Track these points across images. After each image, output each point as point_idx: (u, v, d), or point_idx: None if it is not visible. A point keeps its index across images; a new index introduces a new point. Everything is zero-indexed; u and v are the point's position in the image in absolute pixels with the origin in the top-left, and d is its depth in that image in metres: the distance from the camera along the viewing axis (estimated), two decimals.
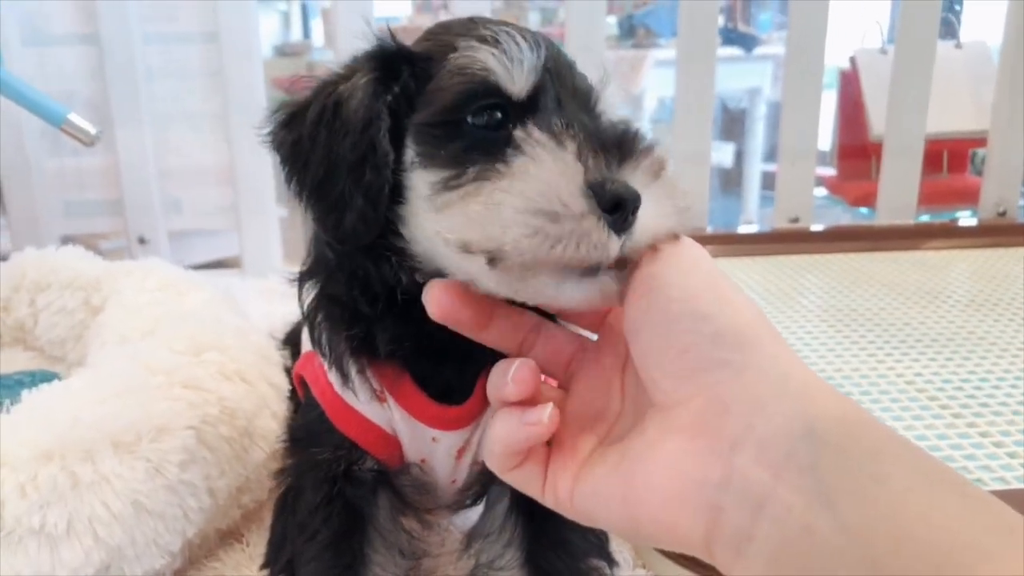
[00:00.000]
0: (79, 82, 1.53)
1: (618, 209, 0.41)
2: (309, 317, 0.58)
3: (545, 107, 0.47)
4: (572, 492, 0.46)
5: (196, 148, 1.60)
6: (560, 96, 0.48)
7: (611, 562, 0.63)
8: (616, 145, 0.43)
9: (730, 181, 4.16)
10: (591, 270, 0.43)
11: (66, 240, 1.59)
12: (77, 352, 1.03)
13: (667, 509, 0.41)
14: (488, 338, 0.50)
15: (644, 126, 2.66)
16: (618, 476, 0.44)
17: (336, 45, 1.58)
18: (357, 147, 0.48)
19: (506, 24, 0.51)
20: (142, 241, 1.59)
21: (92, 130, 1.19)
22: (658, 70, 3.31)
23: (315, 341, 0.58)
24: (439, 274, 0.49)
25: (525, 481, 0.48)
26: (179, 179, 1.61)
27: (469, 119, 0.47)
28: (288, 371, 0.87)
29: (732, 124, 3.97)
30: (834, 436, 0.37)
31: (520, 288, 0.44)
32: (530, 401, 0.46)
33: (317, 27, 5.18)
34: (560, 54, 0.52)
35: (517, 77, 0.47)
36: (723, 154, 3.96)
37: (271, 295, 1.34)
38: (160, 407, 0.68)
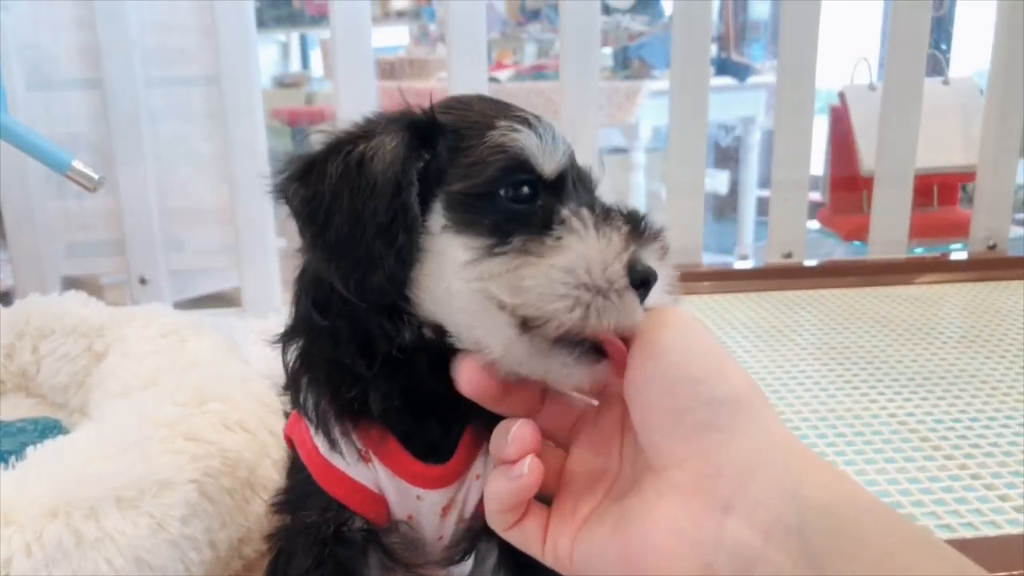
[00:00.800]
0: (83, 125, 1.55)
1: (644, 285, 0.47)
2: (293, 379, 0.59)
3: (568, 188, 0.52)
4: (571, 552, 0.48)
5: (198, 188, 1.63)
6: (575, 181, 0.53)
7: None
8: (636, 224, 0.49)
9: (725, 208, 4.19)
10: (597, 354, 0.48)
11: (68, 281, 1.61)
12: (79, 399, 1.04)
13: (664, 567, 0.43)
14: (504, 407, 0.52)
15: (639, 156, 2.68)
16: (616, 536, 0.46)
17: (335, 76, 1.60)
18: (388, 210, 0.50)
19: (521, 109, 0.55)
20: (143, 281, 1.61)
21: (95, 176, 1.21)
22: (653, 100, 3.35)
23: (300, 403, 0.59)
24: (443, 331, 0.52)
25: (525, 540, 0.50)
26: (181, 219, 1.63)
27: (502, 192, 0.50)
28: (287, 416, 0.88)
29: (727, 153, 4.01)
30: (820, 499, 0.40)
31: (534, 362, 0.48)
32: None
33: (316, 58, 5.24)
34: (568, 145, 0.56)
35: (550, 159, 0.51)
36: (718, 182, 3.99)
37: (272, 336, 1.35)
38: (162, 461, 0.69)
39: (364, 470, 0.59)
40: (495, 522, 0.51)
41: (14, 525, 0.61)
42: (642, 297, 0.47)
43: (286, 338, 0.60)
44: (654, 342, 0.46)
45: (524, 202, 0.50)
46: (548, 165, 0.51)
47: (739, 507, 0.42)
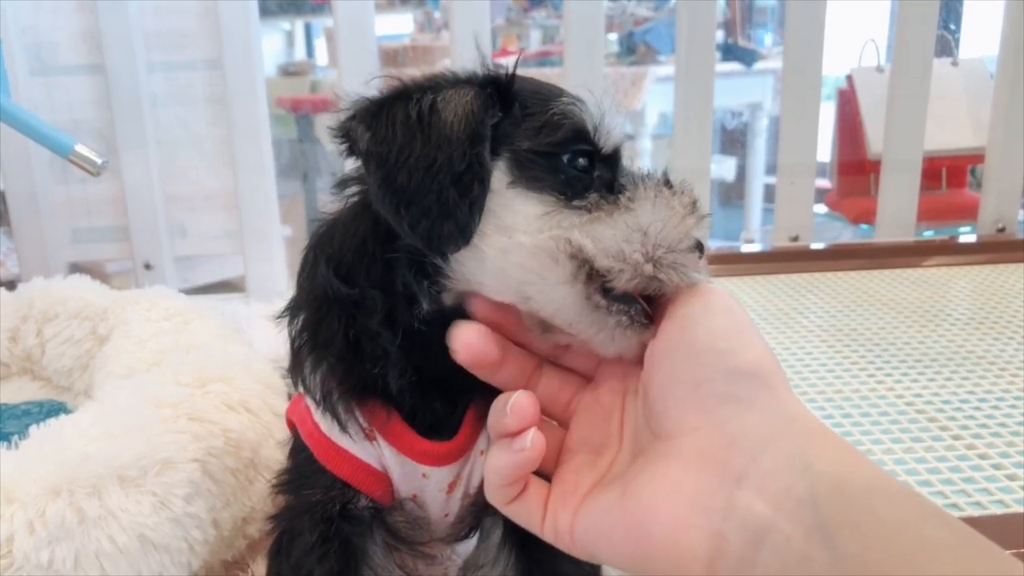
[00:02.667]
0: (86, 111, 1.55)
1: (700, 250, 0.49)
2: (297, 355, 0.59)
3: (622, 163, 0.53)
4: (572, 527, 0.48)
5: (201, 174, 1.62)
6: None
7: None
8: (690, 198, 0.51)
9: (732, 195, 4.17)
10: (648, 319, 0.49)
11: (73, 268, 1.62)
12: (84, 382, 1.04)
13: (672, 535, 0.43)
14: (499, 378, 0.52)
15: (645, 142, 2.66)
16: (621, 508, 0.45)
17: (340, 64, 1.60)
18: (463, 160, 0.50)
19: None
20: (147, 267, 1.61)
21: (98, 160, 1.21)
22: (659, 86, 3.33)
23: (303, 381, 0.58)
24: (460, 308, 0.52)
25: (525, 515, 0.50)
26: (184, 204, 1.63)
27: (565, 158, 0.51)
28: (291, 398, 0.88)
29: (733, 139, 3.99)
30: (832, 473, 0.40)
31: (586, 320, 0.48)
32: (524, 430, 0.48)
33: (320, 46, 5.22)
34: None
35: (608, 134, 0.52)
36: (725, 168, 3.97)
37: (276, 313, 1.34)
38: (165, 440, 0.69)
39: (368, 448, 0.59)
40: (495, 497, 0.50)
41: (16, 503, 0.61)
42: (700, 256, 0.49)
43: (292, 313, 0.60)
44: (685, 315, 0.47)
45: (583, 171, 0.51)
46: (607, 139, 0.52)
47: (751, 478, 0.41)
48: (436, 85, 0.52)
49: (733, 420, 0.43)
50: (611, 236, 0.48)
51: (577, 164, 0.51)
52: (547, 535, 0.49)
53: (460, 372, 0.51)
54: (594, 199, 0.49)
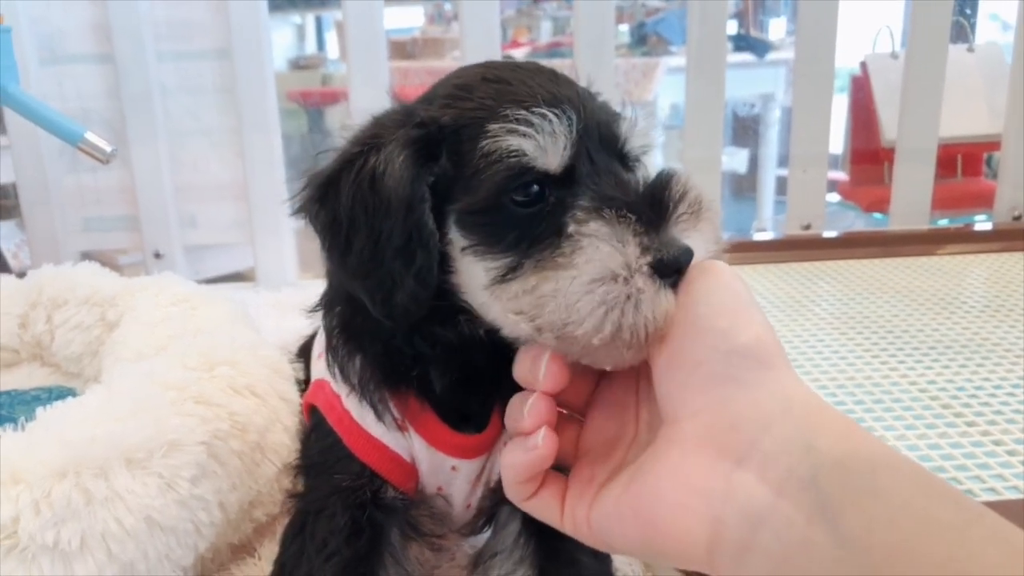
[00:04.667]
0: (95, 100, 1.55)
1: (677, 271, 0.45)
2: (333, 346, 0.58)
3: (581, 176, 0.49)
4: (588, 517, 0.47)
5: (211, 163, 1.63)
6: (592, 156, 0.49)
7: None
8: (657, 201, 0.47)
9: (744, 187, 4.14)
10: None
11: (85, 256, 1.62)
12: (93, 368, 1.05)
13: (673, 518, 0.42)
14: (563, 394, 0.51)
15: (656, 133, 2.65)
16: (629, 491, 0.45)
17: (349, 58, 1.59)
18: (403, 230, 0.49)
19: (530, 74, 0.51)
20: (158, 256, 1.61)
21: (108, 148, 1.21)
22: (670, 77, 3.31)
23: (340, 370, 0.58)
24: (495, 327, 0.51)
25: (544, 510, 0.50)
26: (194, 194, 1.63)
27: (507, 200, 0.48)
28: (300, 384, 0.88)
29: (745, 130, 3.96)
30: (834, 452, 0.39)
31: (587, 352, 0.47)
32: (561, 391, 0.49)
33: (331, 40, 5.23)
34: (585, 99, 0.52)
35: (552, 157, 0.48)
36: (737, 160, 3.95)
37: (285, 308, 1.34)
38: (172, 423, 0.69)
39: (399, 439, 0.59)
40: (513, 494, 0.50)
41: (22, 484, 0.60)
42: (678, 278, 0.46)
43: (327, 307, 0.60)
44: (686, 294, 0.46)
45: (534, 203, 0.48)
46: (552, 162, 0.48)
47: (752, 460, 0.40)
48: (377, 142, 0.51)
49: (733, 401, 0.43)
50: (552, 305, 0.45)
51: (528, 197, 0.48)
52: (567, 528, 0.49)
53: (497, 371, 0.52)
54: (532, 262, 0.47)
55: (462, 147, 0.49)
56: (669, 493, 0.43)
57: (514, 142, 0.47)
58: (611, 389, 0.53)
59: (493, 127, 0.48)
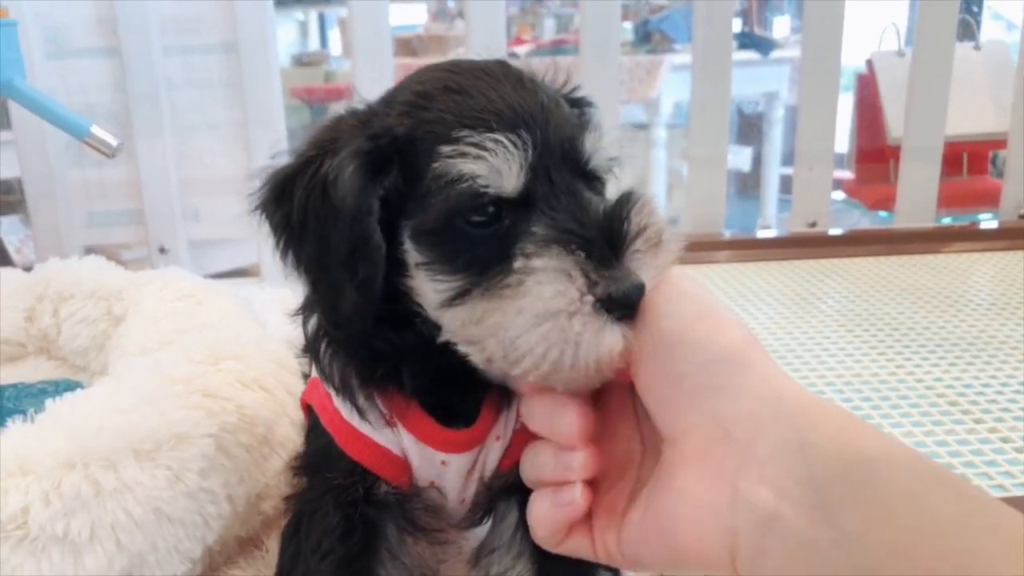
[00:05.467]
0: (101, 94, 1.55)
1: (628, 307, 0.44)
2: (313, 348, 0.58)
3: (537, 199, 0.47)
4: (619, 545, 0.47)
5: (216, 158, 1.62)
6: (552, 176, 0.48)
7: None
8: (613, 232, 0.45)
9: (748, 185, 4.14)
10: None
11: (89, 250, 1.62)
12: (99, 361, 1.05)
13: (693, 537, 0.42)
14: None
15: (660, 131, 2.63)
16: (649, 515, 0.45)
17: (353, 54, 1.59)
18: (349, 240, 0.48)
19: (494, 82, 0.50)
20: (162, 251, 1.61)
21: (114, 142, 1.21)
22: (674, 75, 3.30)
23: (321, 371, 0.58)
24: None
25: (576, 549, 0.50)
26: (199, 188, 1.63)
27: (459, 222, 0.47)
28: (305, 378, 0.87)
29: (749, 128, 3.96)
30: (829, 448, 0.39)
31: (538, 380, 0.46)
32: (588, 441, 0.48)
33: (334, 37, 5.22)
34: (549, 111, 0.50)
35: (507, 181, 0.46)
36: (741, 158, 3.94)
37: (290, 304, 1.34)
38: (179, 416, 0.69)
39: (389, 435, 0.58)
40: (543, 542, 0.50)
41: (31, 475, 0.60)
42: (630, 315, 0.45)
43: (306, 310, 0.60)
44: (647, 309, 0.45)
45: (488, 225, 0.47)
46: (507, 186, 0.46)
47: (750, 467, 0.40)
48: (334, 145, 0.50)
49: (722, 411, 0.42)
50: (494, 342, 0.45)
51: (481, 219, 0.47)
52: (601, 559, 0.49)
53: (473, 370, 0.51)
54: (479, 291, 0.46)
55: (417, 161, 0.48)
56: (684, 513, 0.43)
57: (466, 167, 0.46)
58: (608, 410, 0.52)
59: (446, 149, 0.47)
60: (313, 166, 0.50)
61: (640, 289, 0.45)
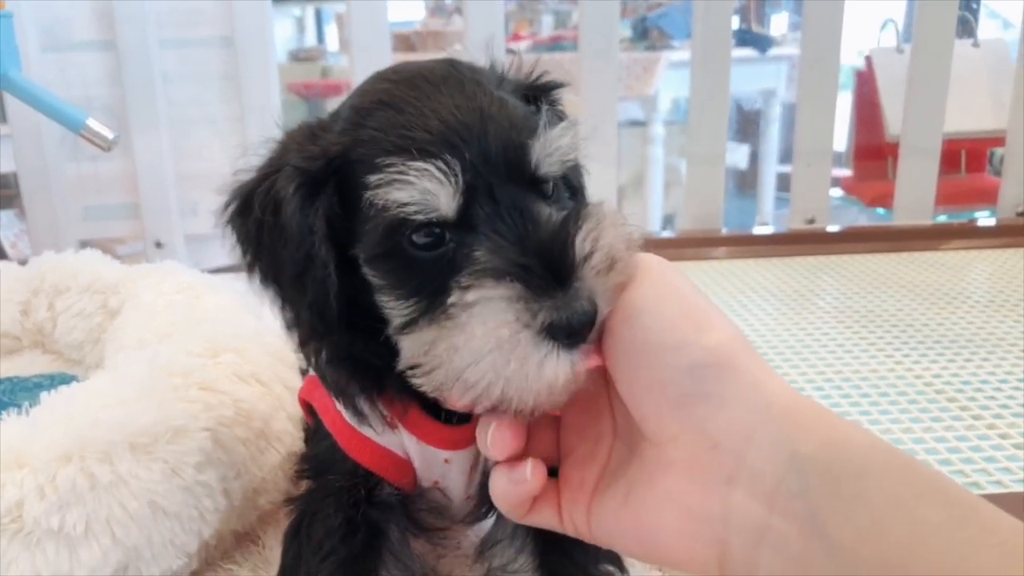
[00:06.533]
0: (97, 87, 1.54)
1: (575, 334, 0.42)
2: (306, 353, 0.58)
3: (479, 220, 0.45)
4: (588, 523, 0.47)
5: (213, 152, 1.62)
6: (495, 192, 0.45)
7: (623, 568, 0.62)
8: (561, 255, 0.42)
9: (745, 183, 4.13)
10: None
11: (85, 244, 1.61)
12: (95, 355, 1.04)
13: (679, 545, 0.42)
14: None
15: (657, 128, 2.61)
16: (628, 512, 0.45)
17: (350, 50, 1.58)
18: (295, 260, 0.48)
19: (431, 91, 0.48)
20: (159, 245, 1.60)
21: (110, 135, 1.21)
22: (672, 72, 3.29)
23: (320, 376, 0.58)
24: None
25: (543, 521, 0.49)
26: (196, 183, 1.62)
27: (406, 244, 0.46)
28: (303, 373, 0.87)
29: (747, 125, 3.95)
30: (820, 458, 0.38)
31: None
32: (516, 456, 0.47)
33: (331, 32, 5.20)
34: (491, 119, 0.47)
35: (444, 204, 0.45)
36: (738, 156, 3.93)
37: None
38: (176, 409, 0.68)
39: (390, 436, 0.58)
40: (509, 515, 0.50)
41: (27, 468, 0.60)
42: (583, 339, 0.43)
43: (303, 345, 0.60)
44: (626, 303, 0.43)
45: (434, 246, 0.45)
46: (444, 208, 0.45)
47: (740, 478, 0.40)
48: (280, 164, 0.49)
49: (710, 420, 0.41)
50: (447, 365, 0.44)
51: (426, 238, 0.45)
52: (568, 531, 0.48)
53: None
54: (426, 320, 0.45)
55: (354, 182, 0.47)
56: (671, 522, 0.42)
57: (392, 196, 0.45)
58: (583, 391, 0.51)
59: (373, 178, 0.45)
60: (266, 184, 0.49)
61: (586, 315, 0.42)
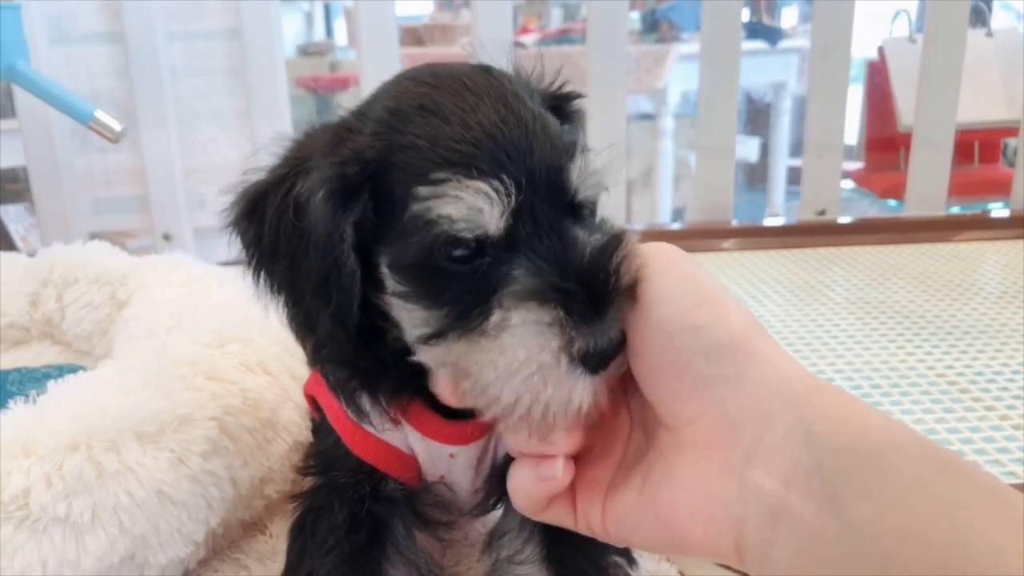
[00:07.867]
0: (105, 80, 1.54)
1: (603, 360, 0.43)
2: (314, 356, 0.58)
3: (520, 239, 0.45)
4: (604, 520, 0.47)
5: (220, 146, 1.62)
6: (535, 213, 0.45)
7: (631, 559, 0.62)
8: (596, 281, 0.43)
9: (755, 176, 4.12)
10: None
11: (94, 237, 1.62)
12: (103, 346, 1.04)
13: (697, 527, 0.42)
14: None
15: (667, 122, 2.60)
16: (644, 500, 0.45)
17: (359, 44, 1.58)
18: (320, 268, 0.46)
19: (474, 102, 0.47)
20: (167, 237, 1.61)
21: (118, 127, 1.21)
22: (681, 64, 3.28)
23: (325, 378, 0.58)
24: None
25: (557, 518, 0.49)
26: (204, 176, 1.62)
27: (440, 255, 0.45)
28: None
29: (757, 118, 3.93)
30: (836, 436, 0.38)
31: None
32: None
33: (340, 27, 5.21)
34: (535, 136, 0.46)
35: (489, 221, 0.44)
36: (748, 149, 3.92)
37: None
38: (183, 398, 0.68)
39: (394, 432, 0.58)
40: (524, 511, 0.49)
41: (33, 456, 0.60)
42: (604, 367, 0.43)
43: (314, 360, 0.60)
44: (644, 293, 0.44)
45: (470, 260, 0.45)
46: (489, 228, 0.44)
47: (758, 457, 0.40)
48: (303, 168, 0.48)
49: (728, 400, 0.41)
50: (469, 384, 0.44)
51: (464, 253, 0.45)
52: (582, 529, 0.48)
53: None
54: (455, 335, 0.45)
55: (391, 191, 0.46)
56: (688, 503, 0.42)
57: (444, 210, 0.44)
58: None
59: (423, 191, 0.44)
60: (284, 186, 0.48)
61: (618, 344, 0.44)
